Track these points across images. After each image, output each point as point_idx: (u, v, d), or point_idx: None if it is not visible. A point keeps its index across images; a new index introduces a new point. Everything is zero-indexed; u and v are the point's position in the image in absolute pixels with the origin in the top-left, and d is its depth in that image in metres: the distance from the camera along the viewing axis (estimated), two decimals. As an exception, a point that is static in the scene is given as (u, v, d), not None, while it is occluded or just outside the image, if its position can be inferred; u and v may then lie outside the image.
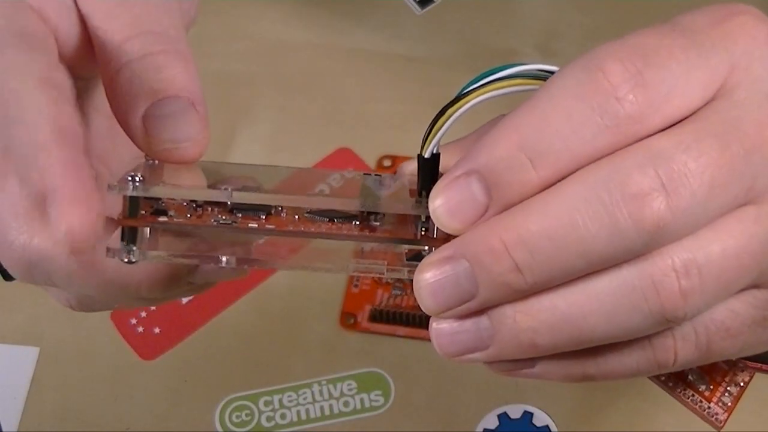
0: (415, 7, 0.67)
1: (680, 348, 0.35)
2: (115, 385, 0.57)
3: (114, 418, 0.56)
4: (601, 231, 0.32)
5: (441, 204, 0.33)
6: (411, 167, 0.37)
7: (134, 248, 0.36)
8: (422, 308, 0.34)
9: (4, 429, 0.56)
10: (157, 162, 0.37)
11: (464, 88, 0.34)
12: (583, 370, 0.35)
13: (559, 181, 0.32)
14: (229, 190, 0.35)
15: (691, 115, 0.33)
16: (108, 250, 0.36)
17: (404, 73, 0.65)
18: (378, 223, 0.36)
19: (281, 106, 0.64)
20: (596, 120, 0.32)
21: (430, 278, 0.33)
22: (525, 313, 0.33)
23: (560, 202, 0.32)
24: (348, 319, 0.57)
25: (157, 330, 0.58)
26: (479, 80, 0.34)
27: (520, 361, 0.35)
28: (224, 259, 0.37)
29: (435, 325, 0.34)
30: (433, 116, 0.34)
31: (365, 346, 0.57)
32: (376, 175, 0.37)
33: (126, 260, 0.36)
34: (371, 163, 0.62)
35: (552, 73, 0.34)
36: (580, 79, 0.32)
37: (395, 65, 0.65)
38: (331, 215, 0.36)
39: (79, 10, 0.38)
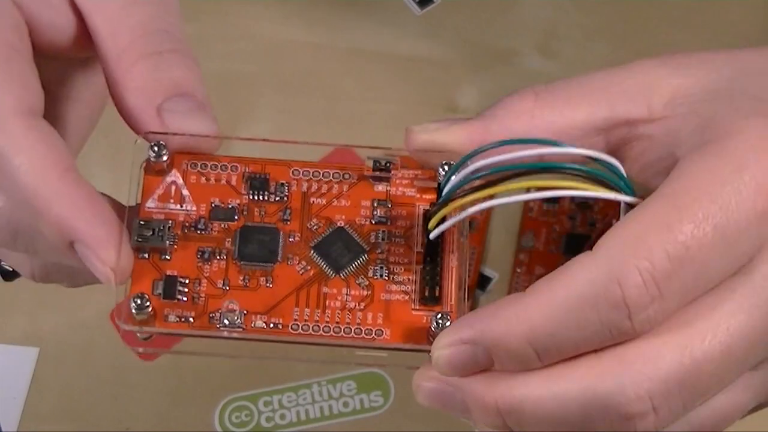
0: (415, 7, 0.67)
1: None
2: (115, 385, 0.57)
3: (114, 418, 0.56)
4: None
5: (445, 356, 0.35)
6: (423, 137, 0.39)
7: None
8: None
9: (4, 429, 0.56)
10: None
11: (467, 157, 0.35)
12: None
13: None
14: (227, 328, 0.36)
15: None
16: (121, 330, 0.38)
17: (404, 73, 0.65)
18: (387, 223, 0.37)
19: (281, 106, 0.64)
20: (605, 332, 0.33)
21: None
22: None
23: (556, 398, 0.34)
24: (348, 319, 0.57)
25: (157, 330, 0.58)
26: (493, 147, 0.35)
27: None
28: (226, 334, 0.37)
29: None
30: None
31: (365, 346, 0.57)
32: (382, 168, 0.38)
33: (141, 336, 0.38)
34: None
35: (591, 158, 0.34)
36: (598, 287, 0.33)
37: (395, 65, 0.65)
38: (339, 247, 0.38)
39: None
